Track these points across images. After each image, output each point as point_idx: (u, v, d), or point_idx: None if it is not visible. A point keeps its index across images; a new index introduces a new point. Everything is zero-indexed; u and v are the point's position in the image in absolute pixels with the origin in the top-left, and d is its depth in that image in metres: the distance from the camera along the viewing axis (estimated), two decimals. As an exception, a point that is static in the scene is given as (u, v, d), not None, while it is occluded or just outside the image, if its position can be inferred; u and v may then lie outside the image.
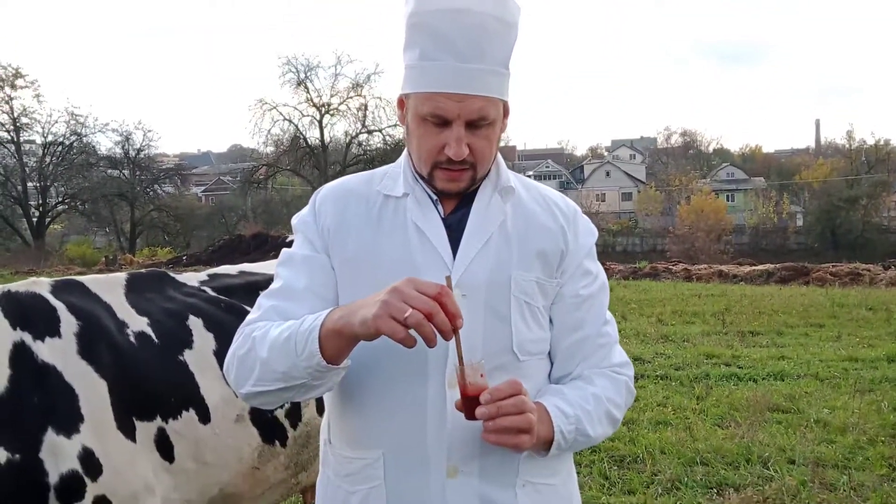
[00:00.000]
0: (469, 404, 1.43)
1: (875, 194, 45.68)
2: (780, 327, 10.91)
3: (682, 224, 45.28)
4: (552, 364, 1.70)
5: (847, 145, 56.97)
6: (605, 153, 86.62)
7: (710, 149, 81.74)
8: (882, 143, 54.55)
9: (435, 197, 1.64)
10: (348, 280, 1.62)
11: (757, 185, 61.69)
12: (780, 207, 50.97)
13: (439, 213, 1.63)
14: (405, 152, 1.69)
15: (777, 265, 21.58)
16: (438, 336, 1.35)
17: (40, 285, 2.37)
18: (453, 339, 1.38)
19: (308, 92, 39.98)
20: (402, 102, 1.62)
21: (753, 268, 21.98)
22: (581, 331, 1.68)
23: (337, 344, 1.44)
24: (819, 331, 10.66)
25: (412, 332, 1.34)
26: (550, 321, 1.68)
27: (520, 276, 1.61)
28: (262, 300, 1.65)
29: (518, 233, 1.64)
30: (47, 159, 43.91)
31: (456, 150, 1.52)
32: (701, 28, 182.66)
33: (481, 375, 1.43)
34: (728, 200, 58.48)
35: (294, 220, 1.73)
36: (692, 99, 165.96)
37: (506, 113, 1.60)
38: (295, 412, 2.70)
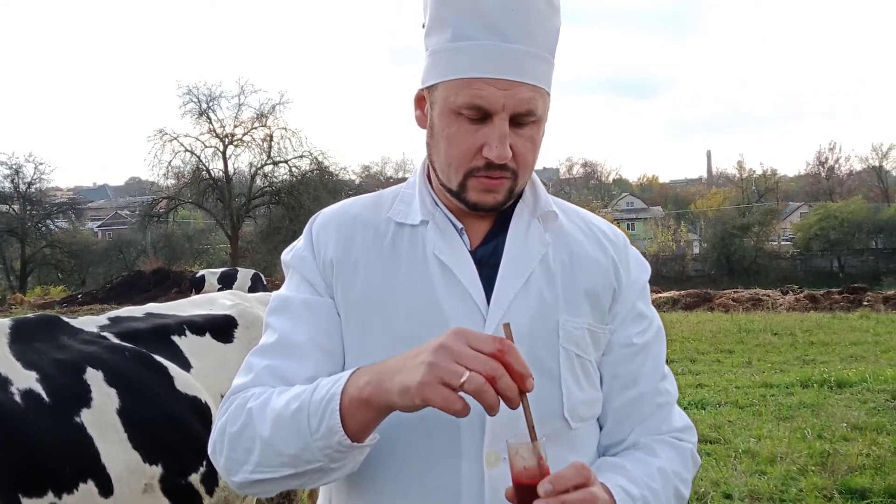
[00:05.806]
0: (524, 494, 1.09)
1: (766, 222, 47.51)
2: (693, 354, 11.12)
3: (587, 253, 46.02)
4: (601, 429, 1.38)
5: (738, 175, 59.54)
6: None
7: (611, 179, 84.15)
8: (770, 172, 57.35)
9: (460, 225, 1.34)
10: (355, 329, 1.30)
11: (655, 214, 63.54)
12: (678, 235, 52.54)
13: (465, 245, 1.33)
14: (418, 172, 1.40)
15: (681, 292, 22.16)
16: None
17: None
18: (519, 406, 1.07)
19: (210, 122, 38.61)
20: (422, 100, 1.32)
21: (659, 295, 22.48)
22: (636, 388, 1.36)
23: (364, 416, 1.12)
24: (730, 356, 10.94)
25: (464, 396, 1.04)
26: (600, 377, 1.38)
27: (568, 322, 1.31)
28: (253, 359, 1.31)
29: (563, 268, 1.34)
30: (-72, 195, 41.44)
31: (499, 151, 1.21)
32: (598, 62, 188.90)
33: (540, 458, 1.09)
34: (629, 229, 60.09)
35: (286, 256, 1.41)
36: (592, 130, 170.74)
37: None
38: (211, 476, 2.36)
